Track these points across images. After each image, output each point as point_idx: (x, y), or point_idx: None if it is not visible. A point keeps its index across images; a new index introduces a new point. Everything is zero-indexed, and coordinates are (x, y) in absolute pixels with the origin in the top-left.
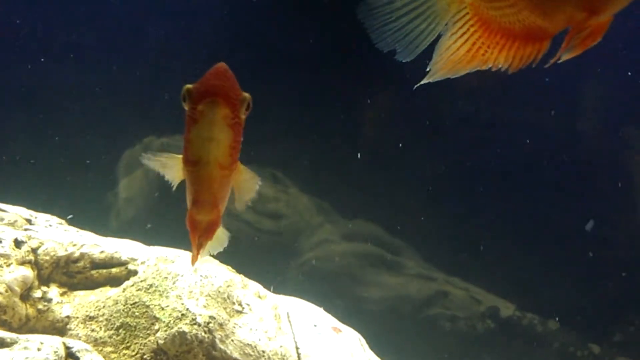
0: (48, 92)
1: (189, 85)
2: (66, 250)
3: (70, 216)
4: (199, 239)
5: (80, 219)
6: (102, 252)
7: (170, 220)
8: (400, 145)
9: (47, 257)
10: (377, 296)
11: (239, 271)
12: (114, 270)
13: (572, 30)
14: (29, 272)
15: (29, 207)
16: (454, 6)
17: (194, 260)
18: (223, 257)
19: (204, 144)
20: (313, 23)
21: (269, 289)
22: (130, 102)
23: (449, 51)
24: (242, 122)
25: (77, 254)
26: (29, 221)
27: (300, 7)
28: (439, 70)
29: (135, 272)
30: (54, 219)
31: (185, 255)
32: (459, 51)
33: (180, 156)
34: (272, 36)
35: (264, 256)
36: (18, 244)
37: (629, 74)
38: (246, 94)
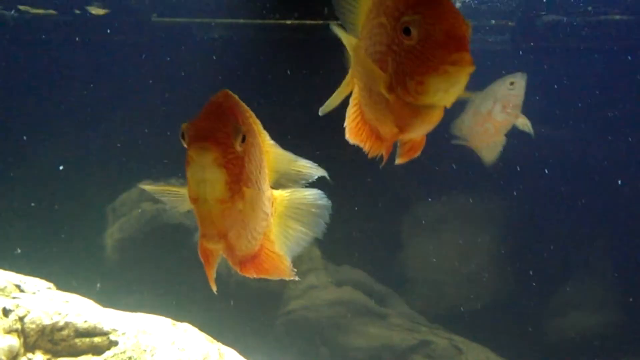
0: (46, 138)
1: (184, 124)
2: (52, 319)
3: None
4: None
5: (75, 260)
6: (85, 321)
7: (159, 262)
8: (391, 193)
9: (34, 326)
10: (362, 345)
11: (229, 319)
12: (96, 339)
13: (391, 140)
14: (15, 341)
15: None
16: (350, 87)
17: (211, 279)
18: (214, 302)
19: (199, 185)
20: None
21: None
22: (128, 146)
23: (347, 120)
24: (241, 154)
25: (61, 323)
26: (18, 286)
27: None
28: (347, 136)
29: (116, 343)
30: (42, 283)
31: (164, 325)
32: (350, 125)
33: (185, 189)
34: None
35: (253, 302)
36: (6, 312)
37: None
38: (238, 126)
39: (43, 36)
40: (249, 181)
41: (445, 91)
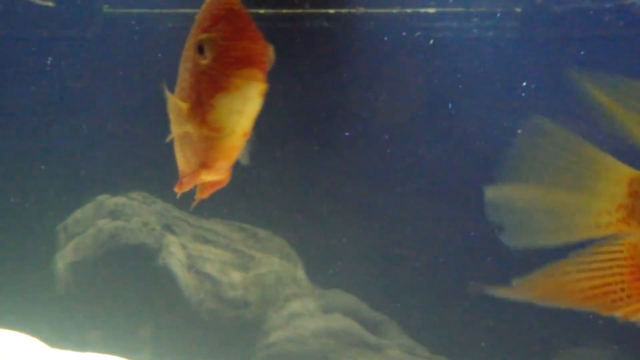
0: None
1: (213, 35)
2: None
3: None
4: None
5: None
6: None
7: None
8: (378, 212)
9: None
10: None
11: (199, 354)
12: None
13: None
14: None
15: None
16: (607, 229)
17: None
18: (182, 335)
19: (232, 116)
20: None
21: None
22: (85, 161)
23: (568, 277)
24: None
25: None
26: None
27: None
28: (533, 291)
29: None
30: None
31: None
32: (582, 283)
33: (185, 107)
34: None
35: (227, 334)
36: None
37: None
38: (270, 49)
39: None
40: None
41: None
